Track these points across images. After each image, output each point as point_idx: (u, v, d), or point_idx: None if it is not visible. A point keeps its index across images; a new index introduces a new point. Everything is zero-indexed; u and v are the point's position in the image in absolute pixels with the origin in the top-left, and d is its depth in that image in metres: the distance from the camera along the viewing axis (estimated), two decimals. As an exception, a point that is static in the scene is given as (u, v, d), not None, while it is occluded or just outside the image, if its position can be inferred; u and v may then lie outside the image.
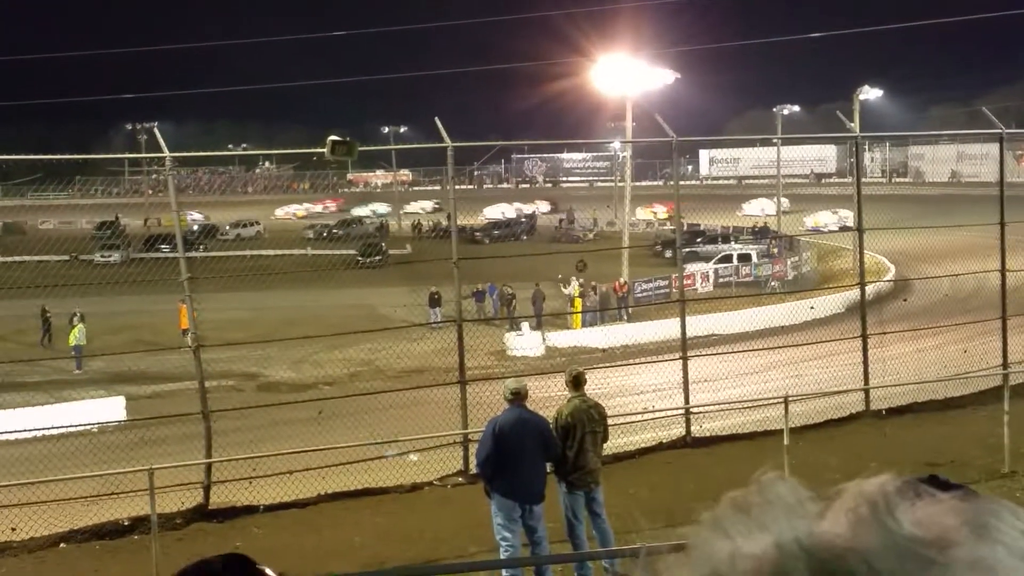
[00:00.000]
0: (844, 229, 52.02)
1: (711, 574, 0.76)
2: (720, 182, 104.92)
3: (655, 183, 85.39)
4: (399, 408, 21.84)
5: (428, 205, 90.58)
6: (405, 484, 16.62)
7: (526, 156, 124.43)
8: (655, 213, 74.91)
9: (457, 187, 21.99)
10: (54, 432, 22.01)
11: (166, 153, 18.16)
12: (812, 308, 34.82)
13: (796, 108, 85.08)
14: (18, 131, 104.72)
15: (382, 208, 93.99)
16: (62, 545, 14.70)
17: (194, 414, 17.57)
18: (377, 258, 59.04)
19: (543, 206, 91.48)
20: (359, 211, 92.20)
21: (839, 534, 0.74)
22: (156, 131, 19.14)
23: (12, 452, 20.58)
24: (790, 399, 15.74)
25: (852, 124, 29.94)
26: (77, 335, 35.06)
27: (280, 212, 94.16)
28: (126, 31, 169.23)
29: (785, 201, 71.85)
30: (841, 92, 64.11)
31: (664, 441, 18.69)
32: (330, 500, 16.09)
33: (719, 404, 20.44)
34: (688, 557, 0.79)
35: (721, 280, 50.31)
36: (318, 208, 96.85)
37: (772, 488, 0.80)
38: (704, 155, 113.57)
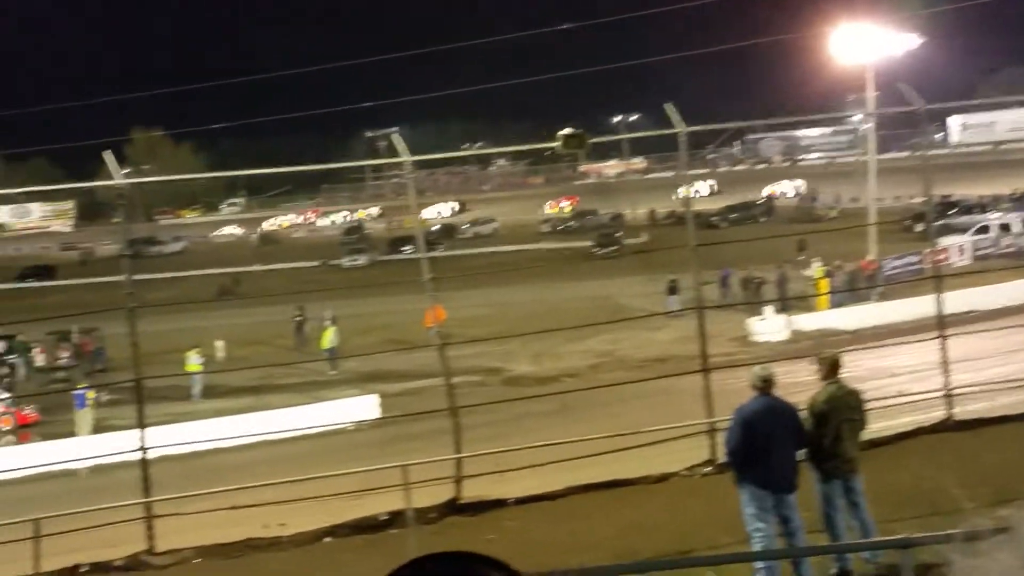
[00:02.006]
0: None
1: None
2: (974, 149, 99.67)
3: (900, 155, 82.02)
4: (642, 398, 21.74)
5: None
6: (653, 475, 16.47)
7: (761, 136, 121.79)
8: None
9: (691, 171, 21.63)
10: (313, 431, 22.96)
11: (405, 157, 18.62)
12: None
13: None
14: (267, 146, 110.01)
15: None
16: (326, 539, 15.26)
17: (442, 410, 17.94)
18: (613, 248, 59.05)
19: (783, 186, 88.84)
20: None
21: None
22: (394, 137, 19.60)
23: (277, 451, 21.66)
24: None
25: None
26: (330, 337, 36.42)
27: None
28: (359, 42, 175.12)
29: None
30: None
31: (924, 425, 17.87)
32: (579, 492, 16.10)
33: (984, 384, 19.37)
34: (1011, 538, 0.68)
35: (979, 253, 47.84)
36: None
37: None
38: (954, 121, 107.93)
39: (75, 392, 30.31)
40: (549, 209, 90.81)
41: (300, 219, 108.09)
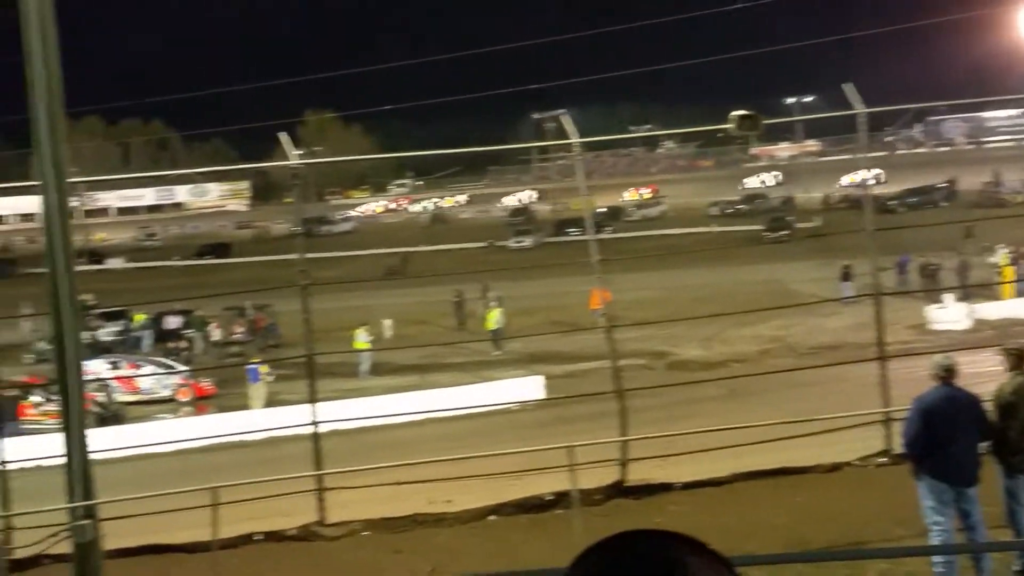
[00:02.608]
0: None
1: None
2: None
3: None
4: (813, 385, 21.24)
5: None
6: (824, 464, 16.06)
7: (944, 117, 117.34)
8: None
9: (870, 154, 20.95)
10: (479, 410, 23.15)
11: (573, 139, 18.57)
12: None
13: None
14: (435, 128, 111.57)
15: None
16: (491, 517, 15.36)
17: (608, 393, 17.85)
18: (784, 232, 57.87)
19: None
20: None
21: None
22: (563, 119, 19.57)
23: (442, 429, 21.90)
24: None
25: None
26: (495, 318, 36.65)
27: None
28: (528, 23, 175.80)
29: None
30: None
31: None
32: (746, 479, 15.81)
33: None
34: None
35: None
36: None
37: None
38: None
39: (249, 367, 31.27)
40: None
41: (393, 205, 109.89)
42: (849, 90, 17.40)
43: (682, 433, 16.70)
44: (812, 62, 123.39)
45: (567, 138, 18.71)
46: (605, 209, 73.45)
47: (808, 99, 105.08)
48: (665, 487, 15.81)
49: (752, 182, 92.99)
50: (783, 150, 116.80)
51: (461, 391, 26.43)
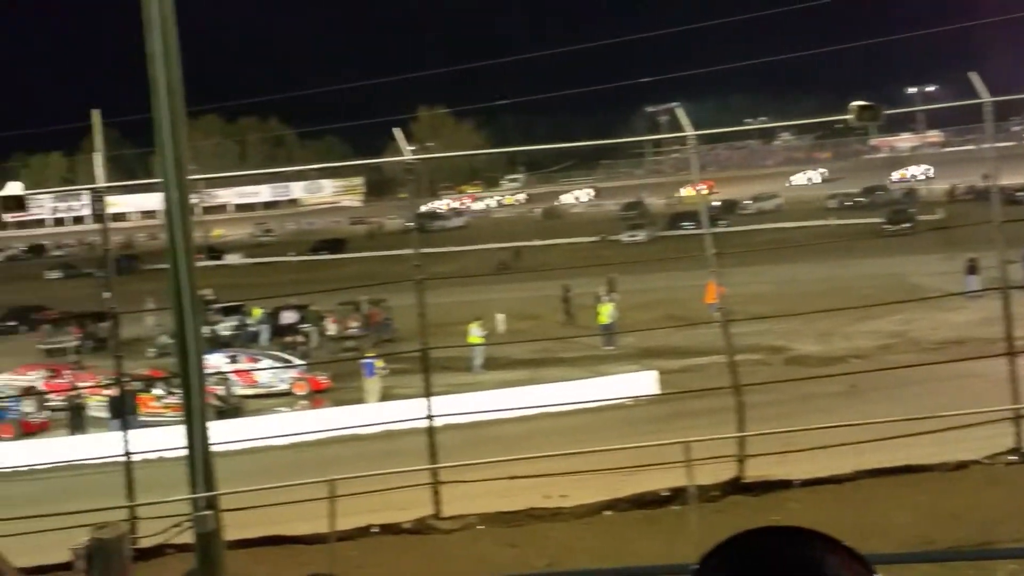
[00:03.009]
0: None
1: None
2: None
3: None
4: (937, 382, 20.69)
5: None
6: (949, 462, 15.61)
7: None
8: None
9: (996, 144, 20.26)
10: (592, 405, 23.03)
11: (688, 132, 18.35)
12: None
13: None
14: (547, 123, 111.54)
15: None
16: (606, 513, 15.28)
17: (724, 388, 17.61)
18: (906, 225, 56.48)
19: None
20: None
21: None
22: (676, 111, 19.34)
23: (556, 423, 21.86)
24: None
25: None
26: (608, 312, 36.42)
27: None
28: (641, 16, 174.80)
29: None
30: None
31: None
32: (868, 476, 15.46)
33: None
34: None
35: None
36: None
37: None
38: None
39: (364, 361, 31.57)
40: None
41: (457, 204, 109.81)
42: (975, 79, 16.89)
43: (801, 429, 16.39)
44: (935, 51, 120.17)
45: (681, 131, 18.52)
46: (719, 203, 72.64)
47: (930, 88, 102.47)
48: (784, 484, 15.54)
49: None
50: (904, 141, 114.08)
51: (574, 386, 26.31)
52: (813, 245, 47.89)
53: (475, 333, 34.11)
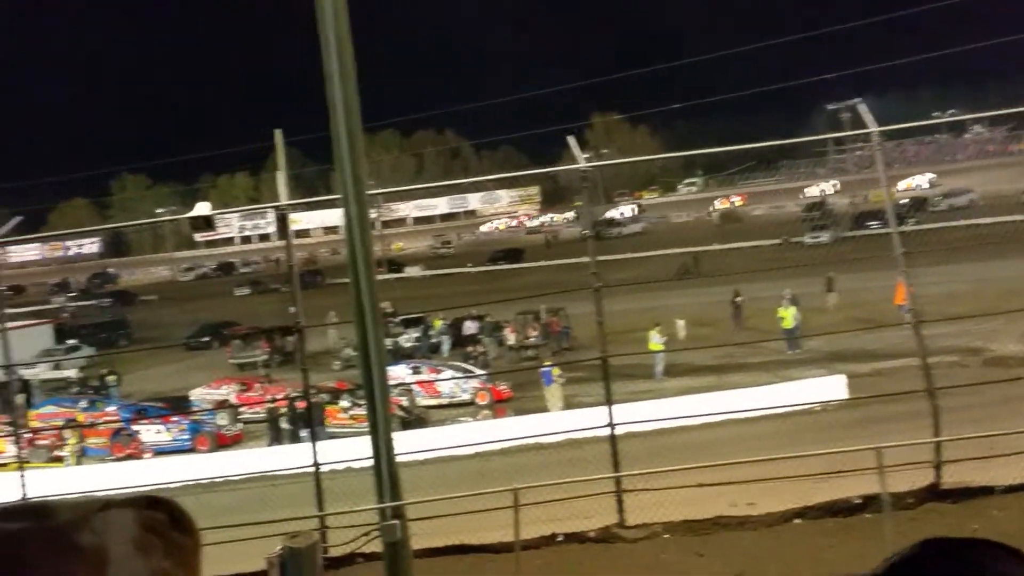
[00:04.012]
0: None
1: None
2: None
3: None
4: None
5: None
6: None
7: None
8: None
9: None
10: (779, 411, 22.48)
11: (872, 128, 17.77)
12: None
13: None
14: (723, 125, 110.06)
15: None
16: (796, 521, 14.86)
17: (918, 392, 16.92)
18: None
19: None
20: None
21: None
22: (859, 108, 18.73)
23: (741, 430, 21.38)
24: None
25: None
26: (790, 316, 35.58)
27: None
28: (819, 12, 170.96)
29: None
30: None
31: None
32: (1084, 484, 14.62)
33: None
34: None
35: None
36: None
37: None
38: None
39: (542, 370, 31.59)
40: None
41: (513, 223, 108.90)
42: None
43: (1005, 433, 15.58)
44: None
45: (864, 128, 17.95)
46: (907, 200, 70.26)
47: None
48: (986, 491, 14.83)
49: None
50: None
51: (759, 392, 25.73)
52: (1013, 242, 45.79)
53: (655, 340, 33.79)
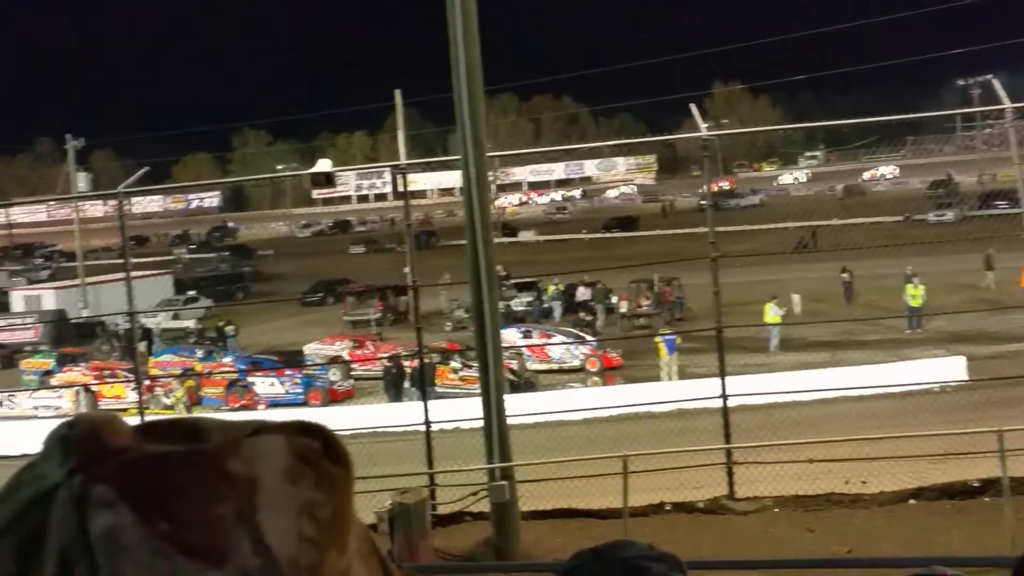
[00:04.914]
0: None
1: None
2: None
3: None
4: None
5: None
6: None
7: None
8: None
9: None
10: (895, 390, 22.03)
11: (1005, 105, 17.24)
12: None
13: None
14: (848, 97, 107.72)
15: None
16: (911, 501, 14.58)
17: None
18: None
19: None
20: None
21: None
22: (994, 83, 18.17)
23: (856, 408, 21.02)
24: None
25: None
26: (917, 295, 34.74)
27: None
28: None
29: None
30: None
31: None
32: None
33: None
34: None
35: None
36: None
37: None
38: None
39: (666, 337, 31.19)
40: None
41: (525, 198, 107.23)
42: None
43: None
44: None
45: (996, 104, 17.43)
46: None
47: None
48: None
49: None
50: None
51: (875, 370, 25.22)
52: None
53: (773, 312, 33.34)
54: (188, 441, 0.70)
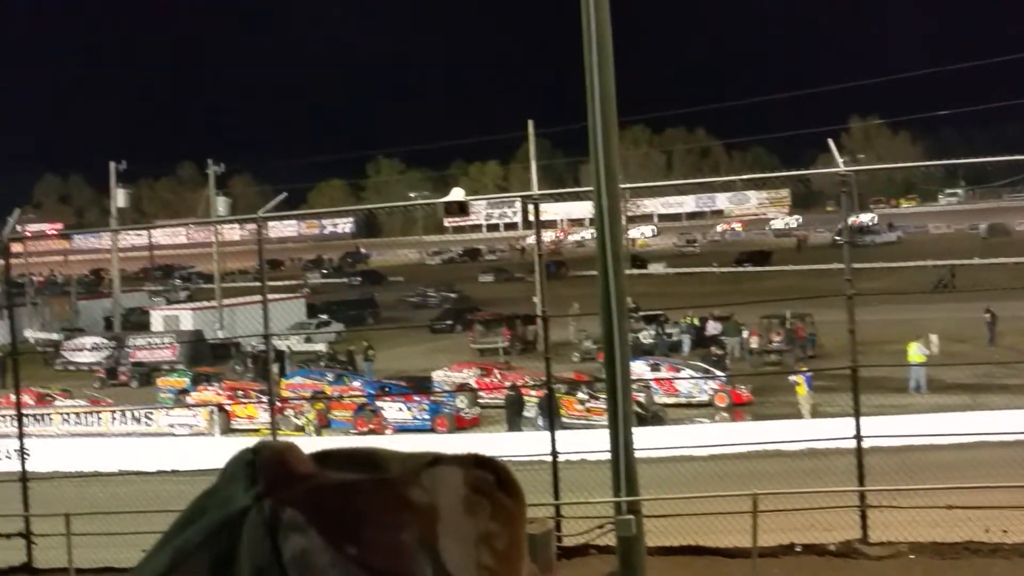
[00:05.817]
0: None
1: None
2: None
3: None
4: None
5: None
6: None
7: None
8: None
9: None
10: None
11: None
12: None
13: None
14: (996, 132, 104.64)
15: None
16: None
17: None
18: None
19: None
20: None
21: None
22: None
23: (997, 453, 20.27)
24: None
25: None
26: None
27: None
28: None
29: None
30: None
31: None
32: None
33: None
34: None
35: None
36: None
37: None
38: None
39: (806, 374, 30.58)
40: None
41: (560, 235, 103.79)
42: None
43: None
44: None
45: None
46: None
47: None
48: None
49: None
50: None
51: (1018, 415, 24.31)
52: None
53: (917, 351, 32.52)
54: (368, 470, 0.72)
